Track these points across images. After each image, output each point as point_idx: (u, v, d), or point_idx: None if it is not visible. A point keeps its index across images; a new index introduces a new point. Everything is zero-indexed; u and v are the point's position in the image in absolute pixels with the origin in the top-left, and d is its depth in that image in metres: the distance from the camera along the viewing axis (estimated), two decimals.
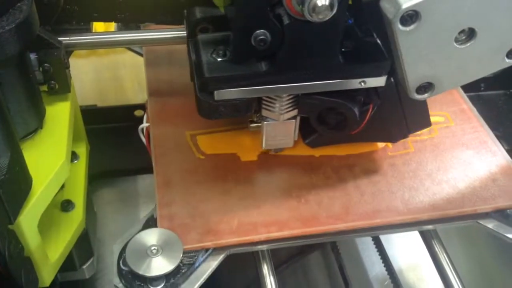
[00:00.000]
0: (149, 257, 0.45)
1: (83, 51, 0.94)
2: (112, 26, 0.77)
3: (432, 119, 0.58)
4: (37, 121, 0.49)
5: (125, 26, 0.71)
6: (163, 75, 0.64)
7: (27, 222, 0.43)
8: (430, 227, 0.51)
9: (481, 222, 0.51)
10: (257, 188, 0.52)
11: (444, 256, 0.52)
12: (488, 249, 0.73)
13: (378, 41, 0.45)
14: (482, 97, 0.80)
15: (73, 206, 0.55)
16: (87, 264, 0.58)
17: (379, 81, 0.46)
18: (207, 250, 0.47)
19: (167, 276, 0.44)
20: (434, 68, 0.43)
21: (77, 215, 0.54)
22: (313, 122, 0.50)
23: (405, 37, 0.40)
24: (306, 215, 0.49)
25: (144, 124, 0.59)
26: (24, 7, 0.44)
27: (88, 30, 0.65)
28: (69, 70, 0.53)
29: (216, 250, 0.47)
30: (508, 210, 0.51)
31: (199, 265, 0.46)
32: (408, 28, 0.40)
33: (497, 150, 0.56)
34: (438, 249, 0.52)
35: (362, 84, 0.46)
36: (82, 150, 0.60)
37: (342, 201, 0.51)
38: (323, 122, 0.50)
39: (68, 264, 0.54)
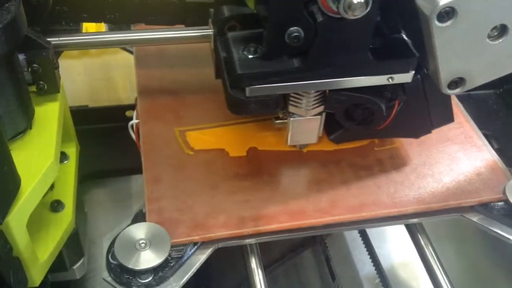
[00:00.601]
0: (137, 251, 0.45)
1: (75, 51, 0.94)
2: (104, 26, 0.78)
3: None
4: (26, 122, 0.49)
5: (117, 26, 0.71)
6: (152, 72, 0.64)
7: (16, 222, 0.43)
8: (415, 220, 0.52)
9: (466, 215, 0.52)
10: (245, 183, 0.52)
11: (430, 250, 0.52)
12: (475, 242, 0.74)
13: (405, 37, 0.47)
14: (472, 97, 0.81)
15: (63, 206, 0.55)
16: (77, 265, 0.58)
17: (406, 77, 0.47)
18: (195, 243, 0.47)
19: (155, 270, 0.45)
20: (467, 63, 0.45)
21: (67, 215, 0.54)
22: (340, 117, 0.50)
23: (441, 33, 0.42)
24: (294, 209, 0.50)
25: (134, 121, 0.60)
26: (12, 8, 0.44)
27: (78, 30, 0.65)
28: (58, 71, 0.53)
29: (204, 244, 0.47)
30: (492, 204, 0.52)
31: (188, 258, 0.46)
32: (444, 25, 0.41)
33: (482, 144, 0.57)
34: (423, 242, 0.53)
35: (390, 80, 0.47)
36: (72, 151, 0.60)
37: (329, 195, 0.51)
38: (350, 117, 0.50)
39: (59, 264, 0.54)
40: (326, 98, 0.49)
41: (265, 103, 0.47)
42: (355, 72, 0.46)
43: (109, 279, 0.45)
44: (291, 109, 0.50)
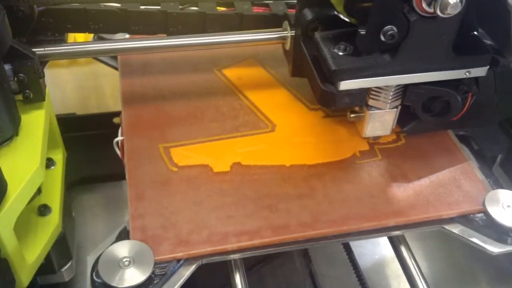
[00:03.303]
0: (121, 268, 0.45)
1: (64, 61, 0.97)
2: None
3: (400, 127, 0.61)
4: (13, 129, 0.51)
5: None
6: (137, 88, 0.65)
7: (3, 225, 0.45)
8: (397, 232, 0.53)
9: (446, 227, 0.52)
10: (229, 198, 0.53)
11: (412, 262, 0.53)
12: (458, 251, 0.75)
13: (480, 34, 0.51)
14: None
15: (50, 210, 0.56)
16: (65, 267, 0.60)
17: (481, 71, 0.52)
18: (179, 260, 0.47)
19: (139, 287, 0.45)
20: None
21: (54, 219, 0.56)
22: (417, 110, 0.54)
23: None
24: (277, 224, 0.51)
25: (119, 138, 0.60)
26: None
27: (63, 41, 0.67)
28: (44, 80, 0.55)
29: (188, 260, 0.48)
30: (471, 215, 0.52)
31: (171, 275, 0.47)
32: None
33: (462, 156, 0.58)
34: (405, 254, 0.53)
35: (467, 74, 0.51)
36: (59, 157, 0.62)
37: (312, 209, 0.52)
38: (427, 109, 0.54)
39: (47, 267, 0.56)
40: (406, 91, 0.53)
41: (355, 96, 0.51)
42: (438, 67, 0.51)
43: None
44: (371, 102, 0.54)
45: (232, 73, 0.68)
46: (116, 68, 0.73)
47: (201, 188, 0.53)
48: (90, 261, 0.47)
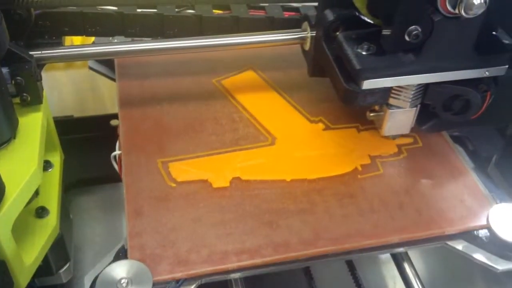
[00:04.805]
0: None
1: (61, 63, 0.96)
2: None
3: (401, 140, 0.60)
4: (10, 132, 0.51)
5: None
6: (135, 101, 0.64)
7: (1, 227, 0.45)
8: (400, 249, 0.52)
9: (450, 243, 0.51)
10: (229, 215, 0.52)
11: (416, 280, 0.52)
12: (462, 268, 0.74)
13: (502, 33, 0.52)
14: None
15: (47, 212, 0.56)
16: (63, 269, 0.60)
17: (500, 71, 0.52)
18: (178, 280, 0.47)
19: None
20: None
21: (51, 221, 0.56)
22: (438, 108, 0.54)
23: None
24: (278, 241, 0.50)
25: (117, 152, 0.59)
26: None
27: (60, 44, 0.68)
28: (41, 83, 0.56)
29: (188, 280, 0.47)
30: (475, 231, 0.52)
31: None
32: None
33: (465, 170, 0.57)
34: (409, 271, 0.53)
35: (487, 73, 0.52)
36: (56, 159, 0.62)
37: (313, 226, 0.51)
38: (447, 108, 0.54)
39: (45, 269, 0.57)
40: (427, 90, 0.53)
41: (378, 95, 0.52)
42: (460, 66, 0.51)
43: None
44: (392, 101, 0.54)
45: (231, 84, 0.67)
46: (110, 78, 0.72)
47: (200, 204, 0.52)
48: (87, 281, 0.47)
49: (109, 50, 0.61)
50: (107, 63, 0.72)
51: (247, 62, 0.70)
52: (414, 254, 0.55)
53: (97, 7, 0.66)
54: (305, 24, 0.61)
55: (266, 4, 0.71)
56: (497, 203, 0.54)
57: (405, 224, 0.51)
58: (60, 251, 0.58)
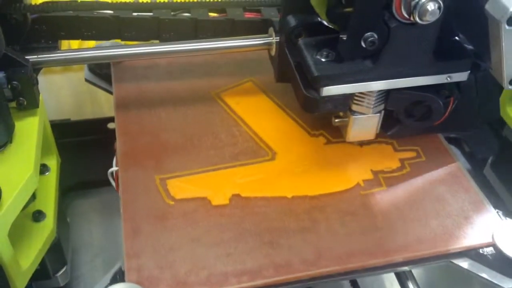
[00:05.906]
0: None
1: (59, 67, 0.97)
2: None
3: (404, 154, 0.59)
4: (7, 136, 0.51)
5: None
6: (132, 117, 0.63)
7: None
8: (404, 268, 0.51)
9: (455, 261, 0.50)
10: (228, 234, 0.50)
11: None
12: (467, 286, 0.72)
13: (460, 39, 0.52)
14: None
15: (44, 216, 0.57)
16: (60, 272, 0.61)
17: (462, 76, 0.52)
18: None
19: None
20: None
21: (48, 224, 0.56)
22: (400, 114, 0.55)
23: (510, 36, 0.46)
24: (279, 262, 0.48)
25: (114, 168, 0.58)
26: None
27: (56, 48, 0.68)
28: (37, 87, 0.56)
29: None
30: (481, 249, 0.50)
31: None
32: None
33: (470, 186, 0.56)
34: None
35: (448, 79, 0.52)
36: (53, 163, 0.63)
37: (315, 245, 0.50)
38: (409, 114, 0.55)
39: (42, 272, 0.57)
40: (389, 96, 0.53)
41: (338, 101, 0.52)
42: (419, 72, 0.51)
43: None
44: (354, 107, 0.54)
45: (230, 97, 0.66)
46: (107, 90, 0.71)
47: (199, 223, 0.51)
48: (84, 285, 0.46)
49: (105, 54, 0.61)
50: (103, 76, 0.71)
51: (246, 75, 0.69)
52: (418, 271, 0.54)
53: (93, 11, 0.66)
54: (271, 30, 0.61)
55: (262, 7, 0.71)
56: (502, 220, 0.53)
57: (410, 242, 0.50)
58: (57, 254, 0.59)
